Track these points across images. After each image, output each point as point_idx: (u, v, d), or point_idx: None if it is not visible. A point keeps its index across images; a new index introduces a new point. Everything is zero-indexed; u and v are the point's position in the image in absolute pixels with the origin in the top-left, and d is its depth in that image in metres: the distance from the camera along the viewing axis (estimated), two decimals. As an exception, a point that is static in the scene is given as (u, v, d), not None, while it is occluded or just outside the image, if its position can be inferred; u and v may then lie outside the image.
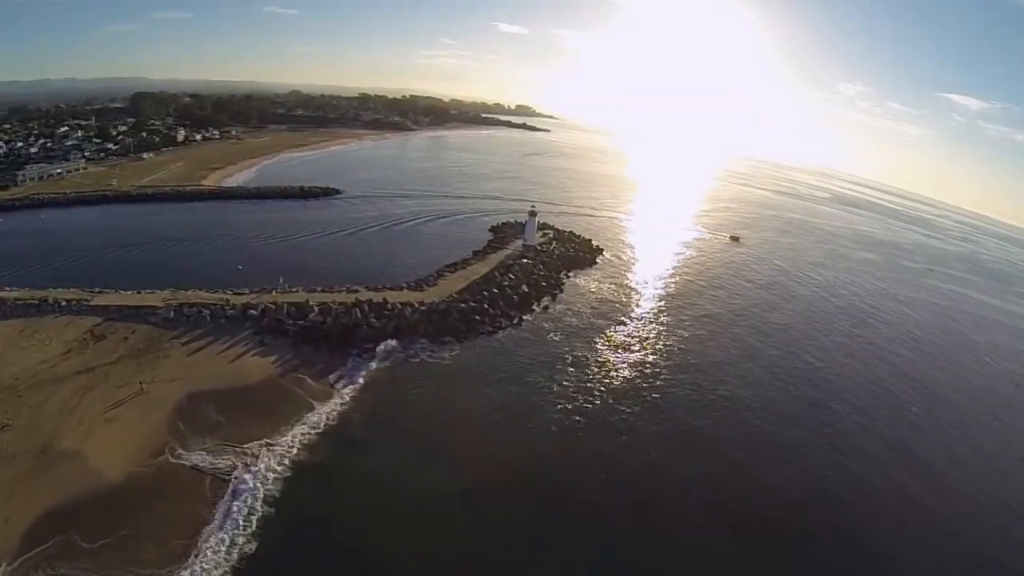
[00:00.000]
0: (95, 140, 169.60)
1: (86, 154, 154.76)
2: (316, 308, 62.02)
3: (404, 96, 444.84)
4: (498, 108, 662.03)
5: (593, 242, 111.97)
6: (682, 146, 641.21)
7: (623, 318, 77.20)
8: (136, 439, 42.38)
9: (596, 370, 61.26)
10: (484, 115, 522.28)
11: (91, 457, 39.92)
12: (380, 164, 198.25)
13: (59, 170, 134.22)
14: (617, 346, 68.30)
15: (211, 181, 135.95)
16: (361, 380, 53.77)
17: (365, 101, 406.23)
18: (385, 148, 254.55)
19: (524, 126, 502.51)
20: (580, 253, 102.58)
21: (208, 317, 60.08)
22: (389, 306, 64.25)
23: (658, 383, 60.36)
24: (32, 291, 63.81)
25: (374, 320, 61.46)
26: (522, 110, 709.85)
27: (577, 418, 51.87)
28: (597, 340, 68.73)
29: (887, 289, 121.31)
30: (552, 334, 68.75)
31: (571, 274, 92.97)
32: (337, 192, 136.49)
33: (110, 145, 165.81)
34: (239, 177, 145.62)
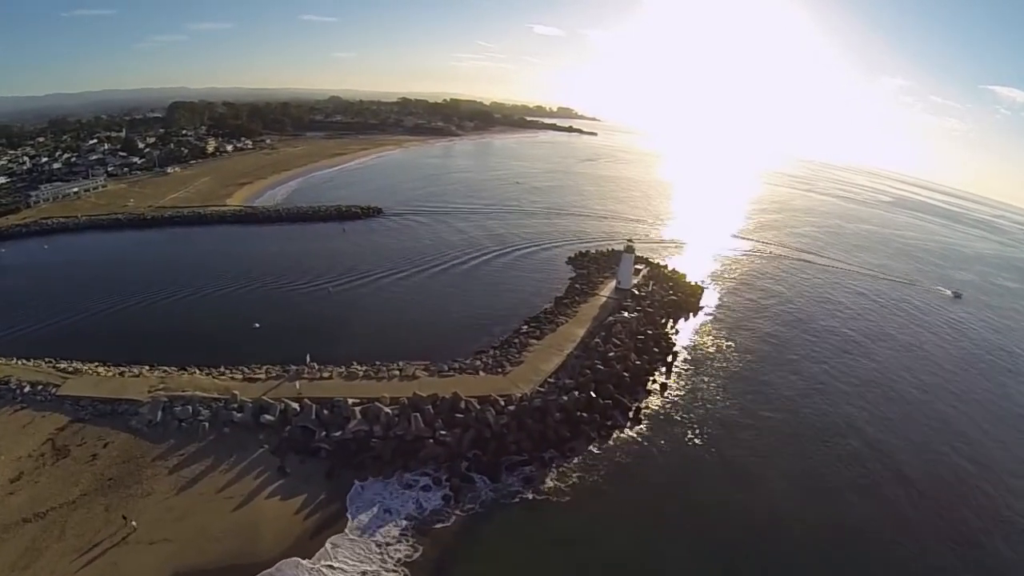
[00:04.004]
0: (120, 154, 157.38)
1: (109, 169, 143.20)
2: (358, 411, 42.96)
3: (445, 100, 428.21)
4: (540, 111, 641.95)
5: (688, 278, 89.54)
6: (728, 146, 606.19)
7: (781, 403, 54.97)
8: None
9: (782, 504, 40.24)
10: (528, 118, 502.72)
11: None
12: (426, 175, 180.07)
13: (75, 189, 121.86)
14: (798, 453, 46.89)
15: (237, 199, 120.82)
16: (429, 544, 34.47)
17: (406, 106, 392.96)
18: (430, 156, 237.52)
19: (571, 129, 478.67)
20: (681, 296, 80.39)
21: (207, 424, 41.80)
22: (463, 406, 44.45)
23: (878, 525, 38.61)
24: (-2, 363, 50.09)
25: (443, 432, 41.89)
26: (564, 112, 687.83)
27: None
28: (756, 445, 47.33)
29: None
30: (689, 432, 47.84)
31: (677, 327, 72.05)
32: (379, 211, 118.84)
33: (135, 159, 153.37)
34: (269, 194, 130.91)
